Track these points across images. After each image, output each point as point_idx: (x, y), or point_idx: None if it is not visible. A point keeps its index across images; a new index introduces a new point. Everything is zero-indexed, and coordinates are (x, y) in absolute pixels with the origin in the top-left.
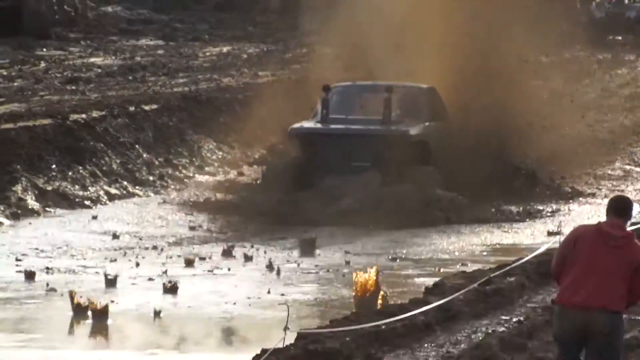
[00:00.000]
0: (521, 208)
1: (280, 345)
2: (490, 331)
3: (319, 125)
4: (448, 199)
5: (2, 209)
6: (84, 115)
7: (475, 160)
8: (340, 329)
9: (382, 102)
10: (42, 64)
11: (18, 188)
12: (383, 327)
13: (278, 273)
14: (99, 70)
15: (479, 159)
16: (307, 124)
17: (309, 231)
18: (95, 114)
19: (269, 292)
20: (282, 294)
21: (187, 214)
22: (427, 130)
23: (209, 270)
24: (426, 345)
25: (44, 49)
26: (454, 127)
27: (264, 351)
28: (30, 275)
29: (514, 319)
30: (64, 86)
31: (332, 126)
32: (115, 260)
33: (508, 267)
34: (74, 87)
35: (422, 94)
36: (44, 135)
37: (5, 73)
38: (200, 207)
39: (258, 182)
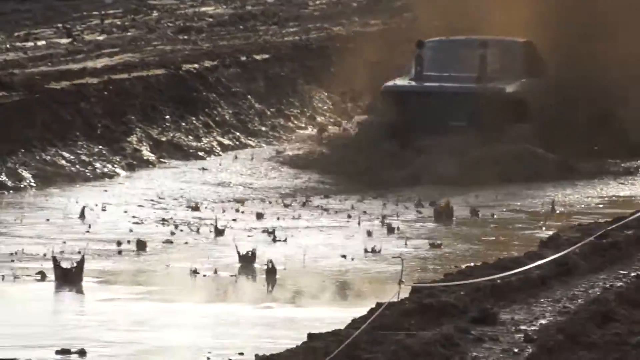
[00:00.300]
0: (629, 164)
1: (395, 299)
2: (607, 286)
3: (412, 83)
4: (549, 158)
5: (118, 159)
6: (196, 65)
7: (576, 117)
8: (455, 282)
9: (477, 58)
10: (155, 14)
11: (133, 139)
12: (498, 281)
13: (391, 228)
14: (211, 20)
15: (580, 116)
16: (401, 82)
17: (409, 190)
18: (207, 63)
19: (374, 249)
20: (396, 248)
21: (293, 168)
22: (524, 87)
23: (319, 226)
24: (542, 300)
25: None
26: (553, 83)
27: (378, 305)
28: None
29: (632, 274)
30: (176, 36)
31: (426, 84)
32: (227, 210)
33: (625, 220)
34: (186, 37)
35: (519, 49)
36: (157, 86)
37: (118, 23)
38: (302, 161)
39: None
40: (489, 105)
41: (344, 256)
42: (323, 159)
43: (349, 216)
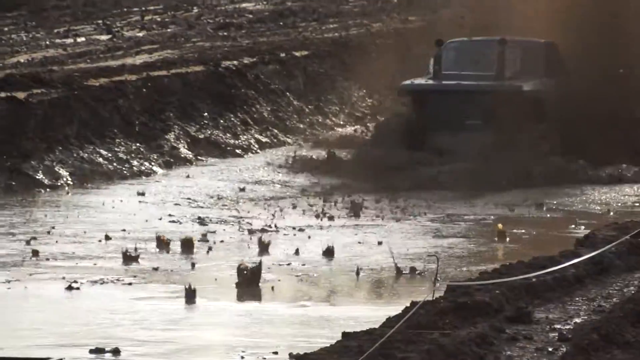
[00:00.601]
0: None
1: (430, 298)
2: None
3: (430, 82)
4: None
5: (155, 157)
6: (235, 62)
7: (596, 119)
8: (491, 281)
9: (495, 57)
10: (195, 10)
11: (171, 136)
12: (533, 279)
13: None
14: (250, 16)
15: (600, 118)
16: (418, 81)
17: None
18: (246, 60)
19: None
20: (433, 246)
21: (311, 171)
22: (543, 86)
23: (355, 225)
24: (577, 298)
25: None
26: (574, 84)
27: (413, 304)
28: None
29: None
30: (215, 32)
31: (443, 82)
32: (264, 209)
33: None
34: (225, 33)
35: (539, 49)
36: (196, 83)
37: (158, 19)
38: (320, 163)
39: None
40: (506, 104)
41: (380, 254)
42: (340, 161)
43: (378, 216)
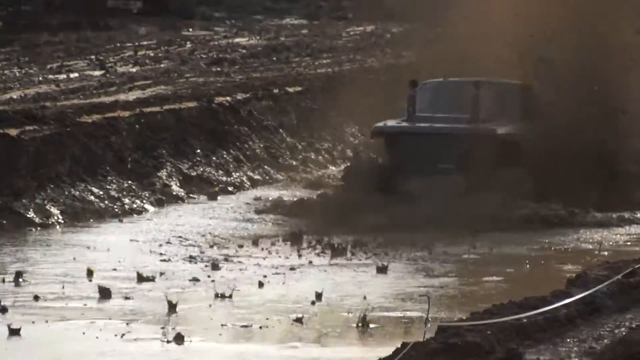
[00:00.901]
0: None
1: (421, 339)
2: (634, 326)
3: (403, 124)
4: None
5: (147, 195)
6: (228, 98)
7: (573, 163)
8: (482, 322)
9: (470, 99)
10: (188, 45)
11: (163, 174)
12: (524, 320)
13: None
14: (244, 51)
15: (577, 161)
16: (391, 123)
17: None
18: (239, 96)
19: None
20: (424, 287)
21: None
22: (518, 129)
23: (342, 265)
24: (568, 340)
25: (190, 29)
26: (550, 127)
27: (404, 345)
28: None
29: None
30: (209, 67)
31: (417, 125)
32: (255, 247)
33: None
34: (218, 69)
35: (514, 91)
36: (189, 119)
37: (152, 54)
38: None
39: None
40: (480, 148)
41: (370, 294)
42: (309, 204)
43: (352, 254)
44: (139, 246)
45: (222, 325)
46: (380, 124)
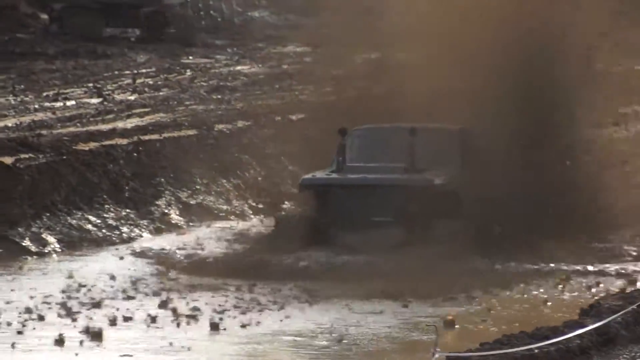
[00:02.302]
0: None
1: None
2: None
3: (333, 175)
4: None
5: (145, 223)
6: (229, 126)
7: (516, 211)
8: (491, 352)
9: (405, 146)
10: (188, 72)
11: (162, 202)
12: (536, 350)
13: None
14: (245, 79)
15: (521, 209)
16: (320, 174)
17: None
18: (240, 124)
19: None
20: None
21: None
22: (457, 178)
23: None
24: None
25: (190, 57)
26: (491, 174)
27: None
28: None
29: None
30: (209, 95)
31: (348, 176)
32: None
33: None
34: (219, 96)
35: (451, 137)
36: (188, 147)
37: (151, 82)
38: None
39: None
40: (417, 199)
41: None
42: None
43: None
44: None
45: None
46: (308, 175)
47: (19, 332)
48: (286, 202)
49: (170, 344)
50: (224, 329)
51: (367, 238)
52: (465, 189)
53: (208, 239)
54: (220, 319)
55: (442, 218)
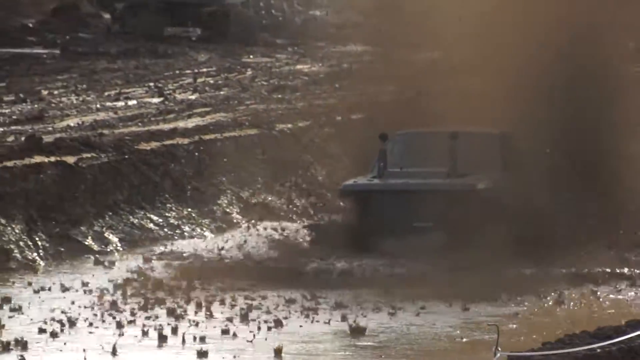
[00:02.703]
0: None
1: None
2: None
3: (375, 181)
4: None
5: (207, 222)
6: (290, 125)
7: (558, 216)
8: (553, 352)
9: (446, 151)
10: (249, 72)
11: (223, 201)
12: (598, 350)
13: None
14: (306, 78)
15: (563, 214)
16: (362, 180)
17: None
18: (301, 123)
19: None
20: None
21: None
22: (499, 183)
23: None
24: None
25: (251, 56)
26: (534, 179)
27: None
28: None
29: None
30: (270, 94)
31: (390, 181)
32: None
33: None
34: (280, 96)
35: (493, 141)
36: (249, 146)
37: (211, 81)
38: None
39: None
40: (459, 204)
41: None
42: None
43: None
44: None
45: None
46: (350, 181)
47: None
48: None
49: None
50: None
51: (409, 244)
52: (507, 193)
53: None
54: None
55: (484, 223)
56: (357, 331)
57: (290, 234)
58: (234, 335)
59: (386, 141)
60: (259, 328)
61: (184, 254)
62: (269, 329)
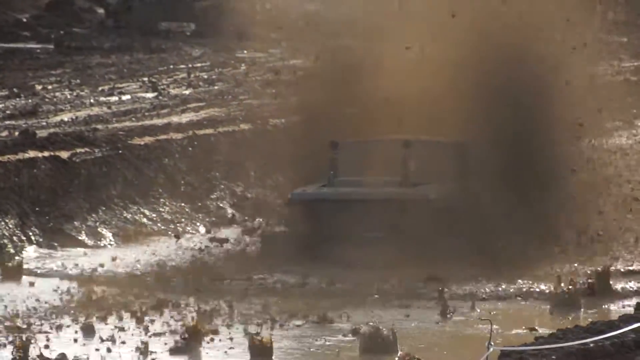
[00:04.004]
0: None
1: None
2: None
3: (324, 190)
4: None
5: (200, 217)
6: (283, 120)
7: (512, 226)
8: (546, 346)
9: (399, 160)
10: (243, 67)
11: (217, 196)
12: (591, 344)
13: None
14: (300, 73)
15: (517, 224)
16: (311, 189)
17: None
18: (295, 118)
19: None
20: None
21: None
22: (453, 193)
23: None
24: None
25: (245, 51)
26: (489, 188)
27: None
28: None
29: None
30: (264, 89)
31: (340, 190)
32: None
33: None
34: (274, 91)
35: (448, 150)
36: (243, 141)
37: (205, 76)
38: None
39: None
40: (411, 214)
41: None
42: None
43: None
44: None
45: None
46: (299, 190)
47: None
48: None
49: None
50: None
51: (358, 254)
52: (459, 203)
53: None
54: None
55: (437, 234)
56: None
57: (237, 243)
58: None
59: (337, 149)
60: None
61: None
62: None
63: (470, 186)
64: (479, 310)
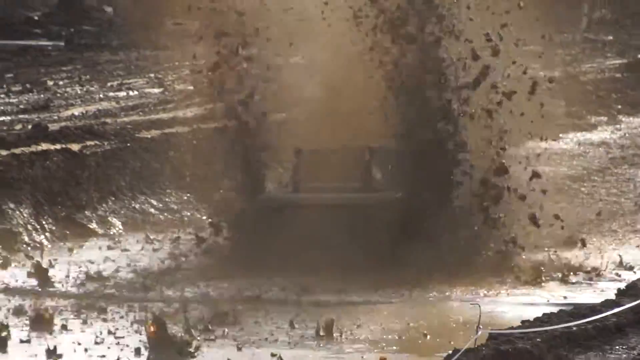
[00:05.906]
0: None
1: (472, 345)
2: None
3: (288, 195)
4: None
5: (205, 207)
6: (284, 114)
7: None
8: (532, 329)
9: (362, 165)
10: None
11: (221, 187)
12: (574, 328)
13: None
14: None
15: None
16: (275, 193)
17: None
18: (295, 112)
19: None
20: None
21: None
22: (414, 199)
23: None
24: (617, 347)
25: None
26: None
27: (455, 351)
28: None
29: None
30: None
31: (303, 195)
32: None
33: None
34: (274, 86)
35: (406, 157)
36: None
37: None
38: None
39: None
40: (373, 219)
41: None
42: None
43: None
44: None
45: None
46: (262, 195)
47: None
48: None
49: None
50: None
51: (322, 259)
52: (422, 209)
53: None
54: None
55: (400, 237)
56: None
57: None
58: None
59: (301, 155)
60: None
61: None
62: None
63: (429, 192)
64: None
